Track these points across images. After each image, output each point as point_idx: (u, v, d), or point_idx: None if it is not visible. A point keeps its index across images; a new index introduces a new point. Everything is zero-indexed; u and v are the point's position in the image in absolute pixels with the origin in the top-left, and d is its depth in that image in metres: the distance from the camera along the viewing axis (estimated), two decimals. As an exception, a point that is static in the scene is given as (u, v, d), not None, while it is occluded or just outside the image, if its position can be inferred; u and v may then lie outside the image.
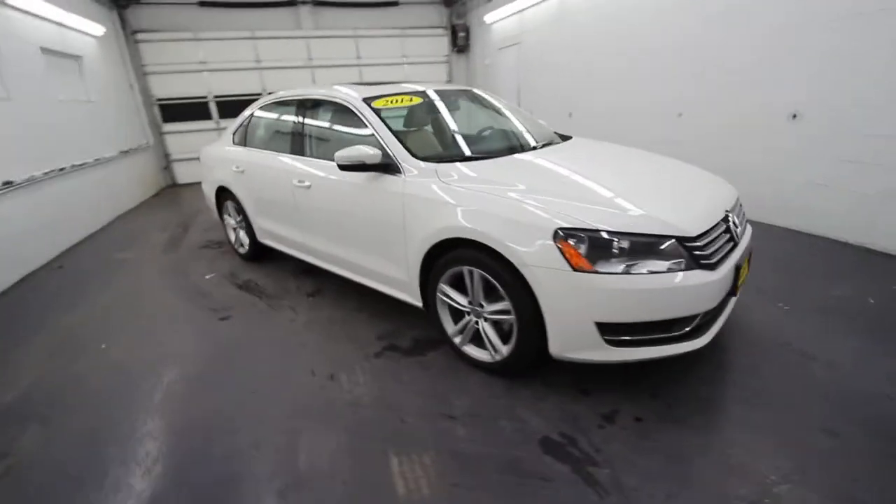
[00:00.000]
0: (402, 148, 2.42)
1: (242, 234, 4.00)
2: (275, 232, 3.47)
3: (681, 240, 1.81)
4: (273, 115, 3.54)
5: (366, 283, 2.80)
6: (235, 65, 8.28)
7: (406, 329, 2.71)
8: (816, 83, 3.53)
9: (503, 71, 8.40)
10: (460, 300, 2.23)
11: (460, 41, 9.40)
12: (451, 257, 2.16)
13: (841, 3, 3.26)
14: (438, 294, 2.31)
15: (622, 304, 1.78)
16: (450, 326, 2.35)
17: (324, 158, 2.86)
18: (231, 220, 4.10)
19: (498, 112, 3.29)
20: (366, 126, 2.61)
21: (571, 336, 1.87)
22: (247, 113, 3.76)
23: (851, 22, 3.21)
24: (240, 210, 3.80)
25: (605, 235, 1.77)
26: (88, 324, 3.10)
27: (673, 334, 1.86)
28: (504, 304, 2.02)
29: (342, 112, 2.82)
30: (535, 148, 2.71)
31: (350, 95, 2.77)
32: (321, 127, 3.05)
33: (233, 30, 8.12)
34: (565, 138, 3.09)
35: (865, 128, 3.29)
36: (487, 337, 2.17)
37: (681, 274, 1.79)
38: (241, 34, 8.18)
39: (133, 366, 2.52)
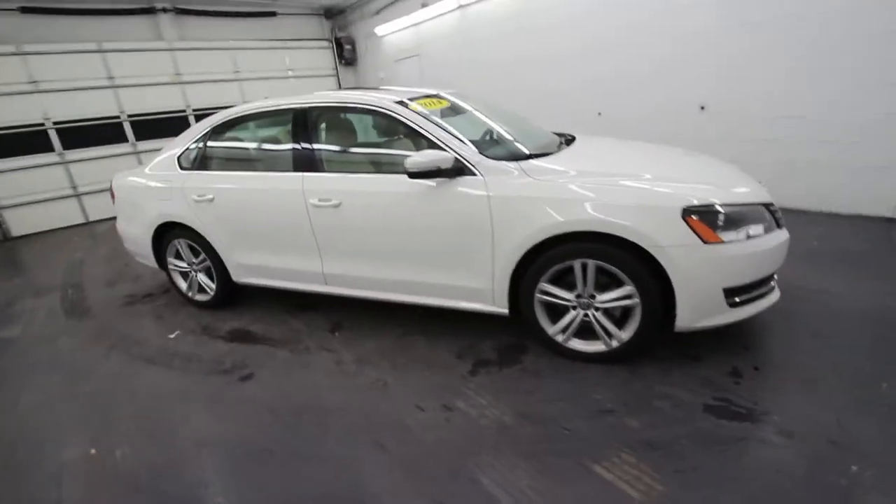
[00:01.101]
0: (474, 149, 2.28)
1: (202, 278, 3.28)
2: (267, 266, 2.93)
3: (765, 205, 2.09)
4: (252, 131, 3.00)
5: (422, 301, 2.55)
6: (80, 83, 6.70)
7: (478, 341, 2.55)
8: (724, 79, 4.35)
9: (404, 82, 8.40)
10: (565, 296, 2.20)
11: (347, 54, 9.13)
12: (555, 254, 2.12)
13: (748, 13, 4.07)
14: (537, 294, 2.23)
15: (744, 268, 1.98)
16: (549, 326, 2.29)
17: (359, 172, 2.54)
18: (180, 263, 3.33)
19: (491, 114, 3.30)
20: (414, 130, 2.39)
21: (701, 306, 2.00)
22: (200, 130, 3.09)
23: (753, 28, 4.05)
24: (203, 248, 3.11)
25: (724, 208, 1.95)
26: (47, 431, 2.20)
27: (764, 290, 2.13)
28: (625, 290, 2.06)
29: (375, 119, 2.53)
30: (567, 143, 2.80)
31: (383, 100, 2.51)
32: (346, 138, 2.69)
33: (72, 41, 6.56)
34: (570, 137, 3.24)
35: (764, 114, 4.18)
36: (602, 326, 2.18)
37: (774, 233, 2.06)
38: (85, 46, 6.67)
39: (174, 472, 1.88)
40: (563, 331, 2.27)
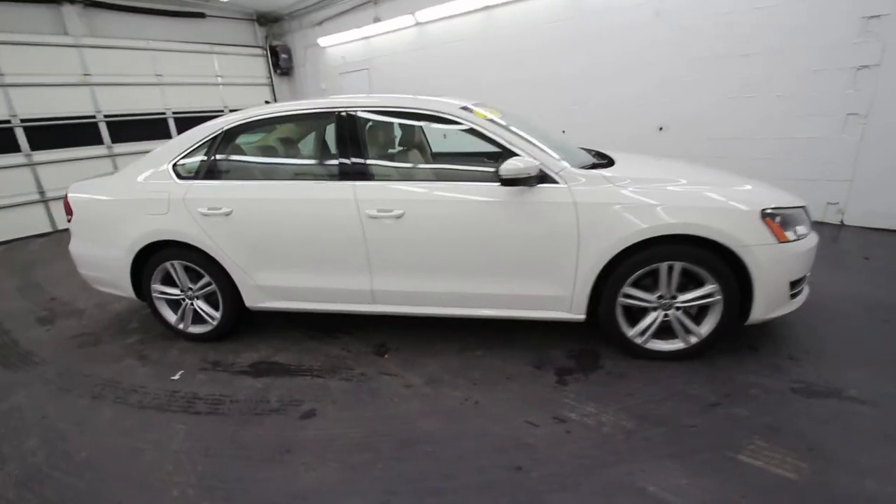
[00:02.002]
0: (555, 155, 2.28)
1: (201, 306, 2.80)
2: (298, 287, 2.60)
3: (804, 208, 2.40)
4: (278, 136, 2.66)
5: (490, 314, 2.45)
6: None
7: (545, 350, 2.52)
8: (679, 104, 4.91)
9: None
10: (647, 297, 2.28)
11: (282, 63, 8.62)
12: (643, 257, 2.19)
13: (697, 49, 4.65)
14: (620, 298, 2.28)
15: (802, 263, 2.23)
16: (628, 329, 2.35)
17: (423, 180, 2.39)
18: (170, 290, 2.80)
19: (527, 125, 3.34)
20: (487, 138, 2.32)
21: (773, 299, 2.20)
22: (204, 134, 2.66)
23: (703, 62, 4.64)
24: (207, 270, 2.66)
25: (789, 210, 2.19)
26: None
27: (805, 284, 2.43)
28: (707, 288, 2.19)
29: (437, 124, 2.41)
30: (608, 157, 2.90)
31: (447, 105, 2.40)
32: (397, 143, 2.50)
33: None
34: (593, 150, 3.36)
35: (710, 133, 4.79)
36: (683, 324, 2.29)
37: (814, 233, 2.37)
38: (-36, 33, 5.42)
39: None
40: (643, 332, 2.34)
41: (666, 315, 2.30)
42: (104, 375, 2.59)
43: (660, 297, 2.27)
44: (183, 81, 7.41)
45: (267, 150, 2.77)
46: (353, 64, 7.85)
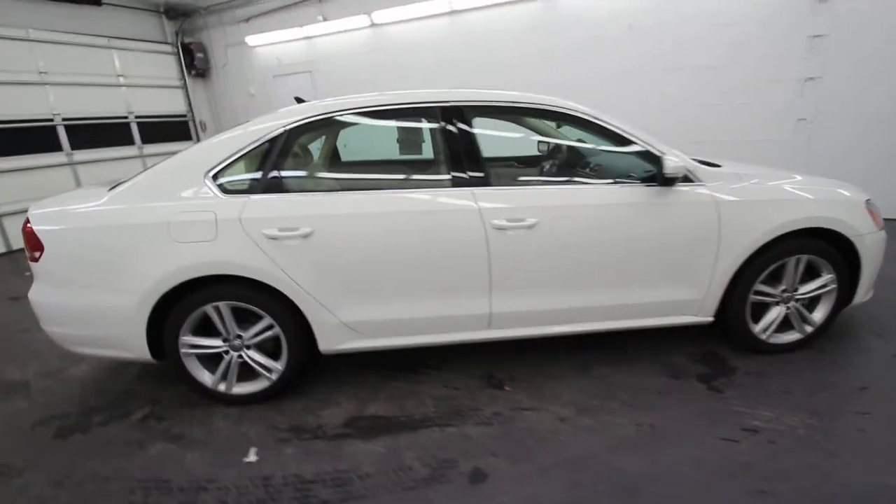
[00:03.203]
0: (685, 155, 2.18)
1: (256, 357, 2.15)
2: (397, 319, 2.13)
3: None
4: (357, 136, 2.15)
5: (616, 326, 2.26)
6: None
7: (668, 357, 2.40)
8: (660, 112, 5.23)
9: (285, 101, 7.28)
10: (773, 292, 2.29)
11: (198, 63, 7.48)
12: (775, 253, 2.19)
13: (668, 61, 5.00)
14: (751, 296, 2.26)
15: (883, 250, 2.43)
16: (753, 325, 2.33)
17: (554, 183, 2.13)
18: (207, 342, 2.11)
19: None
20: (617, 136, 2.14)
21: (869, 284, 2.36)
22: (264, 134, 2.05)
23: (674, 73, 5.01)
24: (268, 309, 2.05)
25: (871, 201, 2.36)
26: None
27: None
28: (825, 278, 2.28)
29: (563, 122, 2.16)
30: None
31: (568, 103, 2.16)
32: (510, 143, 2.17)
33: None
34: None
35: (688, 138, 5.20)
36: (802, 315, 2.34)
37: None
38: None
39: None
40: (766, 328, 2.34)
41: (787, 308, 2.34)
42: (134, 474, 1.83)
43: (784, 291, 2.30)
44: (75, 81, 5.96)
45: (345, 154, 2.25)
46: (291, 66, 7.09)
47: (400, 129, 2.34)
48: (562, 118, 2.20)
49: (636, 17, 5.01)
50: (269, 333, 2.12)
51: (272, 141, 2.06)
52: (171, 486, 1.76)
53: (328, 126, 2.17)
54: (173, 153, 2.16)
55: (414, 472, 1.75)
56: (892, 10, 4.07)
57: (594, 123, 2.15)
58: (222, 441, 1.99)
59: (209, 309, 2.05)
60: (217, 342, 2.13)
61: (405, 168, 2.30)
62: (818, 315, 2.36)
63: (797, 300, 2.32)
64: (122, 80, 6.56)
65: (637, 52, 5.10)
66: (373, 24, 6.27)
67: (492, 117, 2.27)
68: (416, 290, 2.11)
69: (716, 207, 2.12)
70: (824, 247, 2.22)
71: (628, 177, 2.18)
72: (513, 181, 2.17)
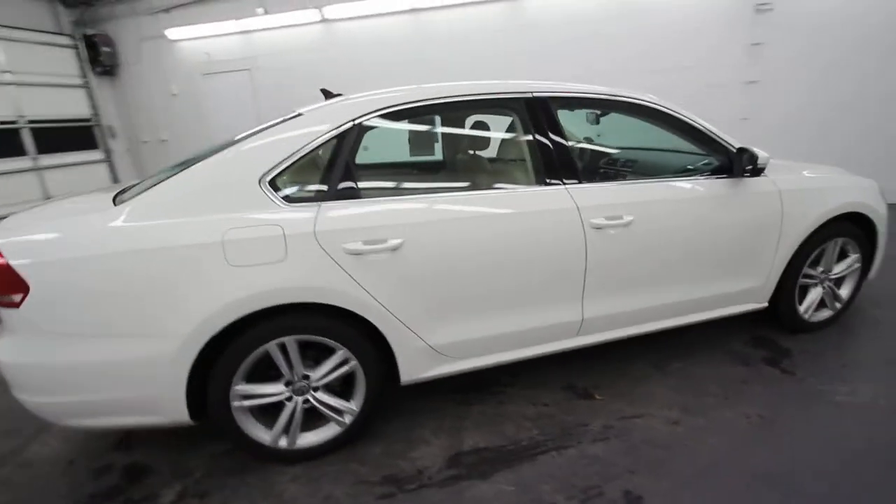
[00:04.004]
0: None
1: (326, 399, 1.78)
2: (491, 335, 1.90)
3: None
4: (430, 128, 1.85)
5: (685, 322, 2.24)
6: None
7: (727, 344, 2.46)
8: None
9: (217, 101, 6.52)
10: (815, 274, 2.44)
11: (105, 58, 6.37)
12: (820, 237, 2.33)
13: (619, 65, 5.26)
14: (800, 280, 2.39)
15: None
16: (799, 307, 2.46)
17: (643, 178, 2.05)
18: (263, 390, 1.70)
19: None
20: (694, 130, 2.14)
21: (876, 265, 2.63)
22: (329, 128, 1.69)
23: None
24: (345, 340, 1.70)
25: (879, 185, 2.64)
26: None
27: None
28: (853, 258, 2.49)
29: (643, 115, 2.09)
30: None
31: (649, 96, 2.09)
32: (586, 138, 2.02)
33: None
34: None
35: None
36: (834, 294, 2.52)
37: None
38: None
39: None
40: (808, 308, 2.49)
41: (823, 288, 2.51)
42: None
43: (823, 272, 2.47)
44: (-59, 75, 4.70)
45: (422, 149, 1.95)
46: (224, 63, 6.31)
47: (477, 123, 2.11)
48: (643, 112, 2.13)
49: (598, 25, 5.21)
50: (343, 370, 1.76)
51: (340, 137, 1.72)
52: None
53: (398, 120, 1.87)
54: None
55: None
56: (820, 21, 4.70)
57: (675, 117, 2.12)
58: (305, 512, 1.60)
59: (272, 347, 1.64)
60: (278, 387, 1.72)
61: (489, 165, 2.07)
62: (844, 292, 2.57)
63: (831, 280, 2.51)
64: (8, 76, 5.33)
65: (597, 56, 5.31)
66: (324, 20, 5.80)
67: (573, 110, 2.13)
68: (510, 301, 1.90)
69: (779, 197, 2.20)
70: (853, 229, 2.42)
71: (692, 170, 2.19)
72: (600, 178, 2.05)
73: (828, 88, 4.90)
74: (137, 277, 1.49)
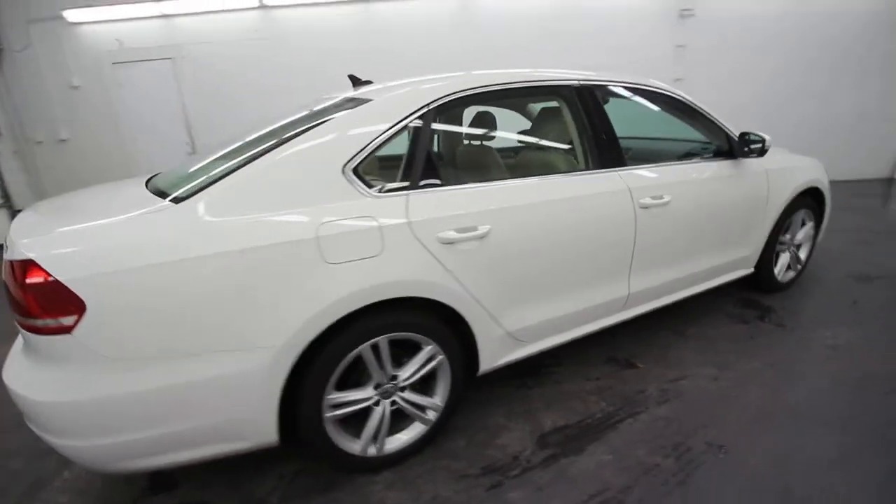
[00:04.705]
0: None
1: (413, 399, 1.70)
2: (556, 317, 1.95)
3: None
4: (493, 116, 1.82)
5: (690, 293, 2.47)
6: None
7: (722, 307, 2.77)
8: None
9: (132, 94, 5.72)
10: (785, 240, 2.85)
11: (-23, 42, 5.26)
12: (789, 209, 2.72)
13: (567, 63, 5.59)
14: (777, 246, 2.78)
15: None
16: (775, 270, 2.86)
17: (674, 161, 2.23)
18: (355, 395, 1.57)
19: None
20: (702, 116, 2.36)
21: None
22: (410, 111, 1.60)
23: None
24: (432, 333, 1.64)
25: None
26: None
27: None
28: (808, 227, 2.95)
29: (661, 103, 2.25)
30: None
31: (673, 88, 2.27)
32: (620, 124, 2.13)
33: None
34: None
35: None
36: (797, 257, 2.97)
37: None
38: None
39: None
40: (780, 271, 2.90)
41: (789, 252, 2.93)
42: None
43: (791, 239, 2.89)
44: None
45: (486, 135, 1.90)
46: (140, 51, 5.56)
47: (536, 109, 2.12)
48: (662, 100, 2.31)
49: (547, 22, 5.49)
50: (432, 365, 1.69)
51: (419, 122, 1.64)
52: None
53: (461, 106, 1.82)
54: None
55: (663, 467, 1.65)
56: (733, 24, 5.42)
57: (689, 105, 2.34)
58: (419, 517, 1.52)
59: (366, 349, 1.53)
60: (368, 392, 1.61)
61: (550, 151, 2.09)
62: (803, 255, 3.03)
63: (794, 245, 2.94)
64: None
65: (545, 52, 5.60)
66: (262, 6, 5.38)
67: (612, 98, 2.24)
68: (574, 281, 1.96)
69: (766, 175, 2.54)
70: (811, 202, 2.87)
71: (703, 153, 2.43)
72: (638, 161, 2.18)
73: (738, 83, 5.69)
74: (221, 284, 1.30)
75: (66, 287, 1.17)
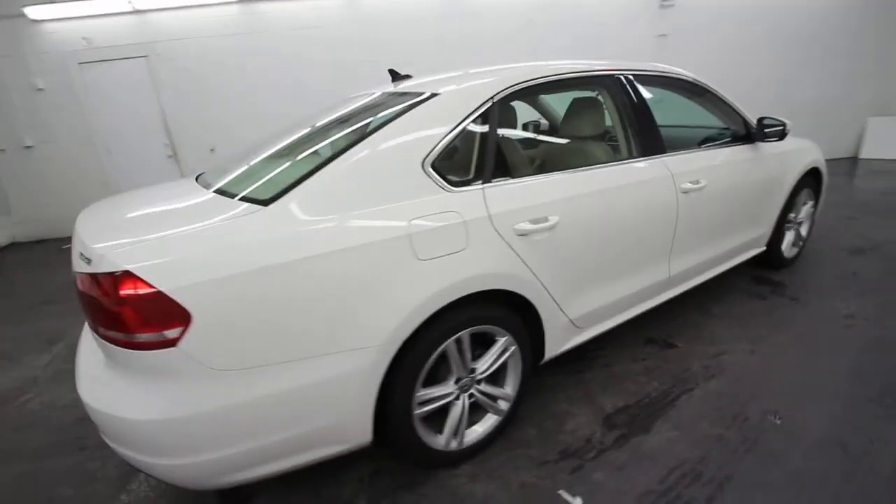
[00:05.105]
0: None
1: (489, 391, 1.71)
2: (606, 303, 2.00)
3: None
4: (544, 106, 1.85)
5: (713, 274, 2.60)
6: None
7: (736, 284, 2.92)
8: None
9: (103, 96, 5.40)
10: (792, 219, 3.02)
11: (-75, 42, 4.81)
12: (798, 187, 2.89)
13: (553, 54, 5.66)
14: (785, 225, 2.94)
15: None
16: (783, 246, 3.03)
17: (706, 148, 2.34)
18: (439, 391, 1.58)
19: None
20: (721, 101, 2.47)
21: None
22: (476, 106, 1.60)
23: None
24: (507, 328, 1.66)
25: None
26: None
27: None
28: (809, 205, 3.13)
29: (686, 92, 2.34)
30: None
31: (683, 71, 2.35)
32: (656, 112, 2.19)
33: None
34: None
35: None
36: (799, 234, 3.15)
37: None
38: None
39: None
40: (787, 247, 3.07)
41: (794, 230, 3.11)
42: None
43: (795, 217, 3.07)
44: None
45: (540, 127, 1.92)
46: (111, 49, 5.24)
47: (580, 98, 2.15)
48: (690, 88, 2.40)
49: (535, 14, 5.54)
50: (506, 356, 1.71)
51: (484, 115, 1.64)
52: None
53: (518, 98, 1.84)
54: None
55: (728, 437, 1.74)
56: (710, 13, 5.65)
57: (712, 92, 2.43)
58: None
59: (450, 344, 1.53)
60: (450, 387, 1.61)
61: (601, 141, 2.12)
62: (804, 232, 3.23)
63: (797, 223, 3.13)
64: None
65: (532, 45, 5.67)
66: (241, 0, 5.17)
67: (654, 87, 2.30)
68: (627, 267, 2.03)
69: (780, 157, 2.68)
70: (812, 181, 3.05)
71: (727, 138, 2.54)
72: (675, 148, 2.25)
73: (715, 69, 5.91)
74: (324, 285, 1.27)
75: (169, 298, 1.11)
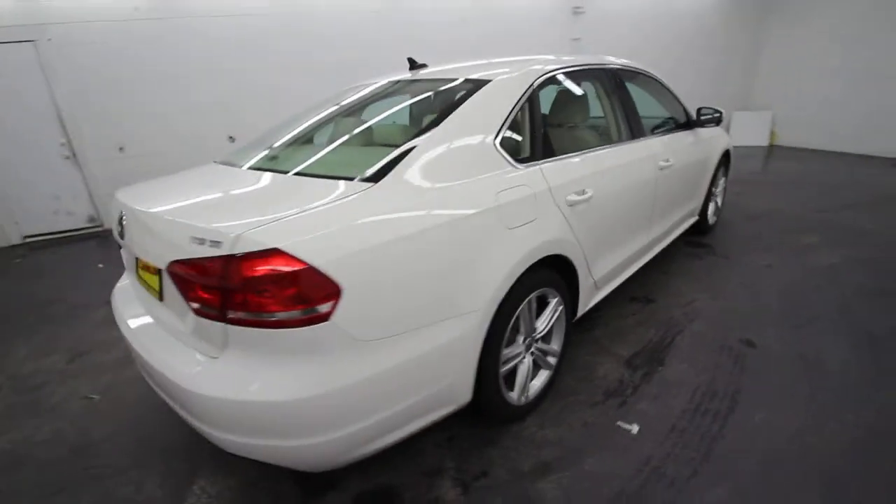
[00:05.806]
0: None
1: (544, 347, 1.92)
2: (613, 267, 2.33)
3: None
4: (568, 94, 2.08)
5: (670, 240, 3.08)
6: None
7: (682, 249, 3.49)
8: None
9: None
10: (714, 192, 3.68)
11: None
12: (718, 166, 3.54)
13: (476, 53, 6.00)
14: (710, 197, 3.58)
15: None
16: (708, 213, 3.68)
17: (670, 132, 2.78)
18: (513, 350, 1.75)
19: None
20: (670, 95, 2.94)
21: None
22: (525, 90, 1.79)
23: None
24: (557, 289, 1.88)
25: (719, 132, 4.10)
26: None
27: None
28: (723, 180, 3.84)
29: (648, 84, 2.77)
30: None
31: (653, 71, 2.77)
32: (635, 101, 2.56)
33: None
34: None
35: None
36: (717, 204, 3.85)
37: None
38: None
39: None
40: (711, 215, 3.74)
41: (714, 202, 3.79)
42: (588, 510, 1.46)
43: (715, 191, 3.74)
44: None
45: (579, 114, 2.21)
46: (-14, 31, 4.36)
47: (590, 89, 2.41)
48: (654, 84, 2.84)
49: (464, 14, 5.82)
50: (556, 315, 1.93)
51: (530, 99, 1.83)
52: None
53: (550, 84, 2.05)
54: None
55: (723, 362, 2.16)
56: (619, 20, 6.42)
57: (663, 85, 2.90)
58: (591, 439, 1.76)
59: (524, 306, 1.70)
60: (521, 347, 1.78)
61: (608, 124, 2.38)
62: (720, 202, 3.95)
63: (715, 196, 3.82)
64: None
65: (452, 45, 5.95)
66: (155, -19, 4.66)
67: (624, 80, 2.64)
68: (630, 232, 2.38)
69: (710, 141, 3.28)
70: (725, 162, 3.76)
71: (675, 124, 3.03)
72: (651, 133, 2.64)
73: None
74: (443, 254, 1.36)
75: (322, 273, 1.13)
